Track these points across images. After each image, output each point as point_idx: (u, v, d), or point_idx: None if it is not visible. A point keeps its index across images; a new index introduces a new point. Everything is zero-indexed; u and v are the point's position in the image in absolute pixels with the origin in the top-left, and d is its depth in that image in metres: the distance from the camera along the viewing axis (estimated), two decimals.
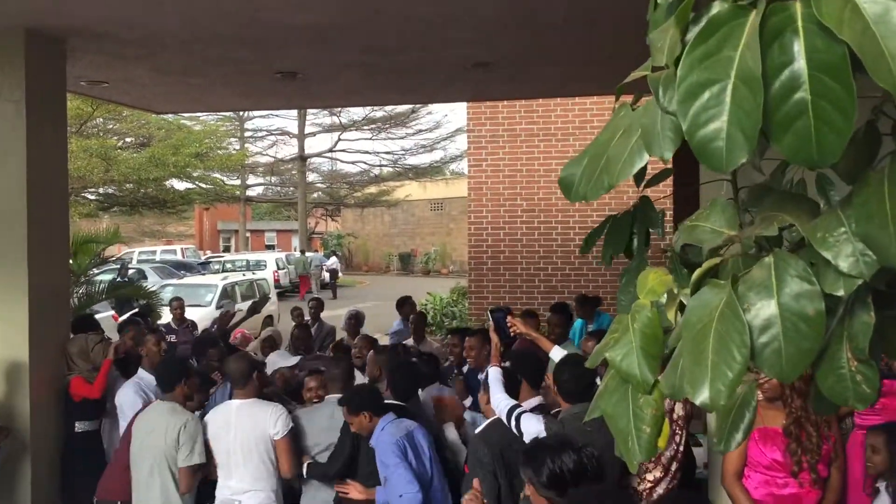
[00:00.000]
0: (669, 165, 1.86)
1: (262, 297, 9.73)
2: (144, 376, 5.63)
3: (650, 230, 2.30)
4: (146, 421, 4.80)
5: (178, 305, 9.84)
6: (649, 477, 4.14)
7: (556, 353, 4.56)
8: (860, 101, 0.96)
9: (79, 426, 5.79)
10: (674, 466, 4.21)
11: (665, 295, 1.46)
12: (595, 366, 1.64)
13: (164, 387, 4.91)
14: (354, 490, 4.55)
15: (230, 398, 4.96)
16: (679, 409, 4.24)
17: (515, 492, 4.05)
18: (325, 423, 4.85)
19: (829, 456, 3.72)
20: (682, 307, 1.39)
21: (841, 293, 1.04)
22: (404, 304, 9.34)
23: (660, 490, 4.15)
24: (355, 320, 8.70)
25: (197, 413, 5.06)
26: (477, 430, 4.47)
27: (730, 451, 1.57)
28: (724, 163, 0.99)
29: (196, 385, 5.14)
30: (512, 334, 4.76)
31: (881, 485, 3.60)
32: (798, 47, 0.95)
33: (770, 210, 1.15)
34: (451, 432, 5.09)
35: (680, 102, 1.03)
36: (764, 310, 1.06)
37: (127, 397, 5.53)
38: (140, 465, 4.72)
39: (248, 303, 16.87)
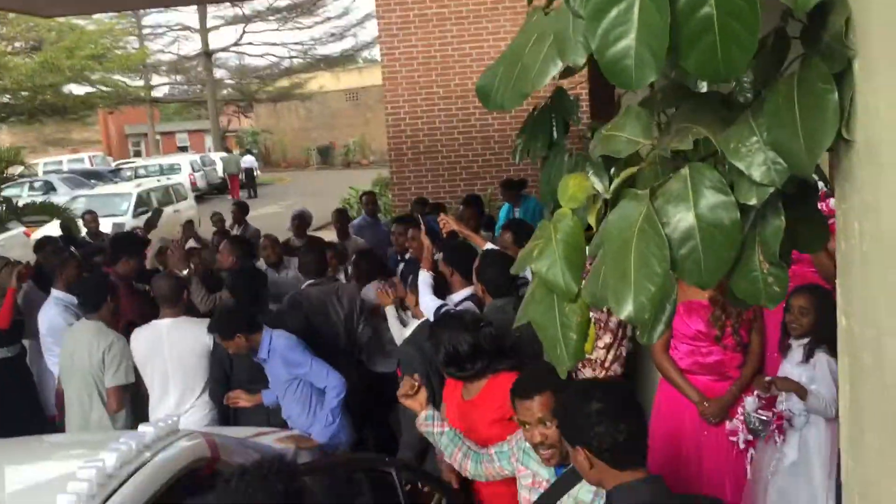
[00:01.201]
0: None
1: (156, 211, 9.31)
2: (63, 297, 5.48)
3: (567, 121, 2.34)
4: (72, 341, 4.77)
5: (91, 219, 9.48)
6: (600, 344, 4.32)
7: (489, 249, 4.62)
8: (769, 4, 0.97)
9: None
10: (621, 332, 4.41)
11: (585, 201, 1.48)
12: (519, 272, 1.67)
13: (88, 307, 4.82)
14: (242, 399, 4.61)
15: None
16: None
17: None
18: None
19: (751, 321, 3.92)
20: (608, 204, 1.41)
21: (753, 202, 1.07)
22: (363, 199, 9.32)
23: (611, 356, 4.34)
24: (300, 220, 8.27)
25: None
26: (406, 334, 4.55)
27: (652, 342, 1.64)
28: (633, 81, 0.99)
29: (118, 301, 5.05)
30: (444, 234, 4.77)
31: (794, 342, 3.81)
32: None
33: (684, 120, 1.16)
34: (390, 313, 5.09)
35: (588, 19, 1.02)
36: (682, 222, 1.09)
37: (52, 319, 5.39)
38: (69, 386, 4.74)
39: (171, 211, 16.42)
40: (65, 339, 4.88)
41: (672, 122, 1.19)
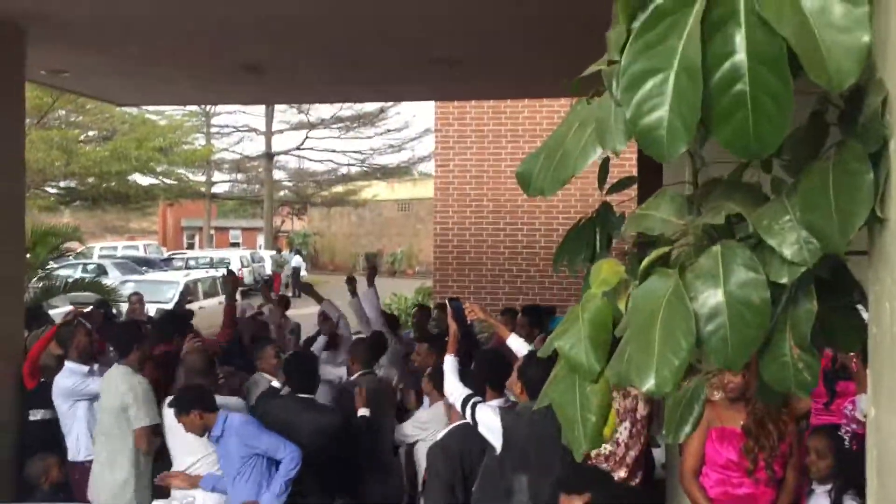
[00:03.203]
0: (634, 173, 1.88)
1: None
2: (76, 367, 5.48)
3: (611, 236, 2.34)
4: (105, 384, 5.02)
5: (136, 300, 9.62)
6: (614, 477, 4.18)
7: (514, 342, 4.54)
8: (807, 88, 0.98)
9: (32, 415, 5.71)
10: (637, 466, 4.26)
11: (617, 286, 1.47)
12: (546, 355, 1.65)
13: (120, 351, 5.10)
14: (177, 479, 4.64)
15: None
16: (642, 409, 4.27)
17: None
18: None
19: (786, 455, 3.77)
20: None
21: (784, 280, 1.05)
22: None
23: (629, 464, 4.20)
24: (324, 318, 8.57)
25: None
26: (438, 437, 4.44)
27: (678, 441, 1.59)
28: (665, 152, 1.00)
29: (148, 351, 5.26)
30: (469, 321, 4.70)
31: (818, 487, 3.64)
32: (739, 39, 0.97)
33: (719, 199, 1.16)
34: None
35: (623, 91, 1.04)
36: (710, 298, 1.07)
37: (64, 387, 5.43)
38: (101, 425, 4.96)
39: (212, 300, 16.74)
40: (102, 387, 5.07)
41: (706, 202, 1.20)
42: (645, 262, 1.20)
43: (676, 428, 1.60)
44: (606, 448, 4.17)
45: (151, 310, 11.16)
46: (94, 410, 5.28)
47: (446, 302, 4.87)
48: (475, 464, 4.20)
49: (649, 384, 1.09)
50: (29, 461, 5.03)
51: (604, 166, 2.44)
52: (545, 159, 1.54)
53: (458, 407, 4.14)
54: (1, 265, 5.78)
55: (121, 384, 4.81)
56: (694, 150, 1.24)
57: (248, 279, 28.62)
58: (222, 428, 4.43)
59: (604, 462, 4.15)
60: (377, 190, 40.48)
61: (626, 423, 4.19)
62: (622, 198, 2.63)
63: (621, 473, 4.19)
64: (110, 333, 5.30)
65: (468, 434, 4.24)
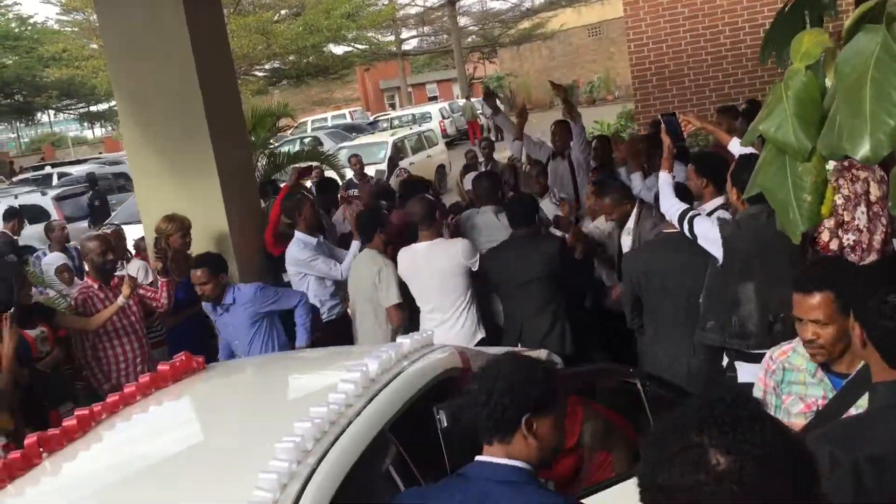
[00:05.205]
0: None
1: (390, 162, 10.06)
2: (303, 238, 5.82)
3: (822, 15, 2.13)
4: (355, 268, 5.38)
5: (356, 161, 10.59)
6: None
7: (734, 146, 4.34)
8: None
9: (285, 277, 6.13)
10: (888, 249, 4.05)
11: (823, 57, 1.37)
12: (750, 143, 1.59)
13: (364, 237, 5.37)
14: None
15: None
16: (875, 190, 4.02)
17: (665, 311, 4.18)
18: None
19: None
20: None
21: None
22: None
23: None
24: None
25: None
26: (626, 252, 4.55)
27: None
28: None
29: (392, 234, 5.49)
30: (686, 134, 4.48)
31: None
32: None
33: None
34: None
35: None
36: None
37: (293, 255, 5.80)
38: (357, 306, 5.33)
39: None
40: (353, 267, 5.45)
41: None
42: (849, 21, 1.11)
43: None
44: (850, 238, 3.99)
45: (367, 170, 11.91)
46: (326, 285, 5.74)
47: (659, 118, 4.64)
48: (667, 274, 4.24)
49: (863, 150, 1.03)
50: None
51: None
52: None
53: (675, 222, 4.11)
54: (229, 150, 6.29)
55: (371, 265, 5.09)
56: None
57: (450, 130, 29.18)
58: (233, 297, 4.94)
59: (850, 253, 3.98)
60: (565, 18, 38.91)
61: (862, 207, 3.96)
62: None
63: (872, 258, 4.01)
64: (356, 222, 5.59)
65: (658, 248, 4.36)
